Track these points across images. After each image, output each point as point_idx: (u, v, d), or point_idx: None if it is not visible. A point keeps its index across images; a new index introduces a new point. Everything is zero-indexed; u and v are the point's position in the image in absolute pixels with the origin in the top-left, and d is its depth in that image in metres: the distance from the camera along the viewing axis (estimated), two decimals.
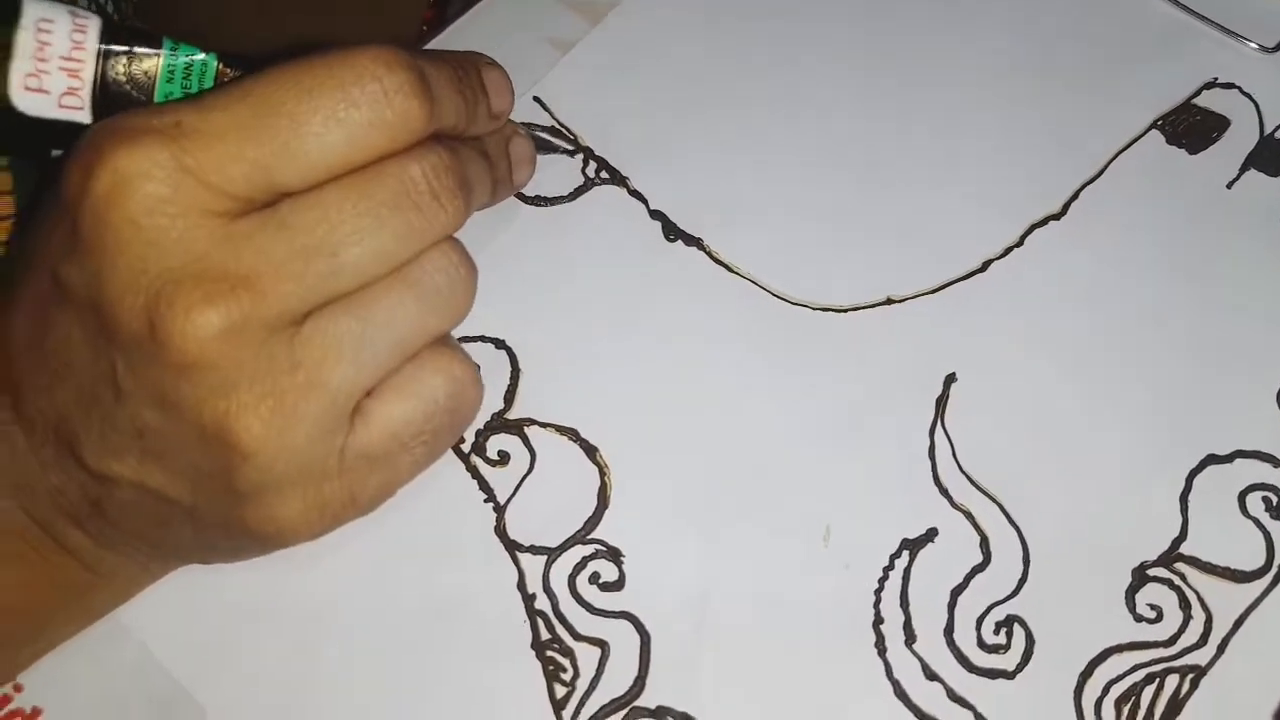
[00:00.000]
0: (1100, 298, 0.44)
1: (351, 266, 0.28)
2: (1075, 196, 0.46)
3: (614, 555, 0.40)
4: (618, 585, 0.39)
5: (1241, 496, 0.40)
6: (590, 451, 0.41)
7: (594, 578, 0.39)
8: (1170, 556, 0.40)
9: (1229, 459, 0.41)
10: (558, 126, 0.48)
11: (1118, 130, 0.48)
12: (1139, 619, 0.39)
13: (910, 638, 0.39)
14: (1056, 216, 0.46)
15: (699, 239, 0.46)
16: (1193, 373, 0.43)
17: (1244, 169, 0.45)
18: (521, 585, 0.39)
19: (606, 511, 0.40)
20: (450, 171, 0.31)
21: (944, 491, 0.41)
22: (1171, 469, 0.40)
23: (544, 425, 0.42)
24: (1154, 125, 0.48)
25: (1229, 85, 0.49)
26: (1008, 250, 0.45)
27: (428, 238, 0.30)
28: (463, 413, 0.33)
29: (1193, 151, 0.47)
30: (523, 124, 0.44)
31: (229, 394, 0.27)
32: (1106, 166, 0.47)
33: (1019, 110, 0.48)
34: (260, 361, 0.28)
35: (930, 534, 0.40)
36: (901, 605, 0.39)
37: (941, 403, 0.42)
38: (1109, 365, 0.43)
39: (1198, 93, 0.49)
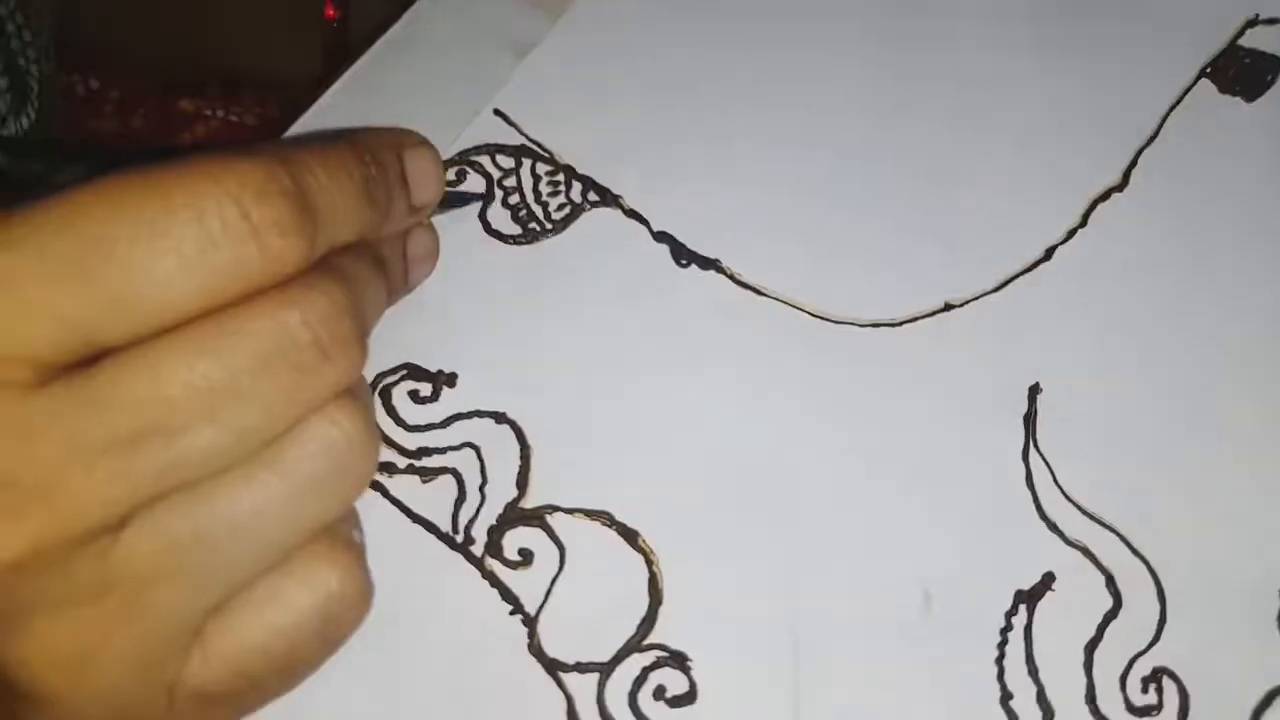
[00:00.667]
0: (1184, 272, 0.39)
1: (198, 454, 0.21)
2: (1134, 163, 0.40)
3: (679, 661, 0.32)
4: (689, 698, 0.32)
5: None
6: (630, 537, 0.34)
7: (660, 693, 0.32)
8: None
9: None
10: (527, 144, 0.41)
11: (1164, 86, 0.42)
12: None
13: (1048, 713, 0.32)
14: (1118, 188, 0.40)
15: (715, 260, 0.39)
16: None
17: None
18: (572, 715, 0.31)
19: (661, 608, 0.33)
20: (344, 314, 0.24)
21: (1053, 527, 0.35)
22: None
23: (570, 511, 0.34)
24: (1202, 74, 0.42)
25: (1272, 20, 0.43)
26: (1071, 232, 0.39)
27: (309, 405, 0.23)
28: (339, 635, 0.26)
29: (1249, 98, 0.42)
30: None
31: (22, 629, 0.21)
32: (1161, 127, 0.41)
33: (1051, 78, 0.42)
34: (62, 586, 0.21)
35: (1047, 580, 0.34)
36: (1030, 673, 0.33)
37: (1031, 420, 0.36)
38: (1209, 350, 0.37)
39: (1241, 33, 0.43)
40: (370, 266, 0.29)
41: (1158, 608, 0.34)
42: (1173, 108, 0.41)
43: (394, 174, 0.29)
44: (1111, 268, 0.39)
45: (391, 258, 0.31)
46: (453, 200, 0.39)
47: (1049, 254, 0.39)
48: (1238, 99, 0.42)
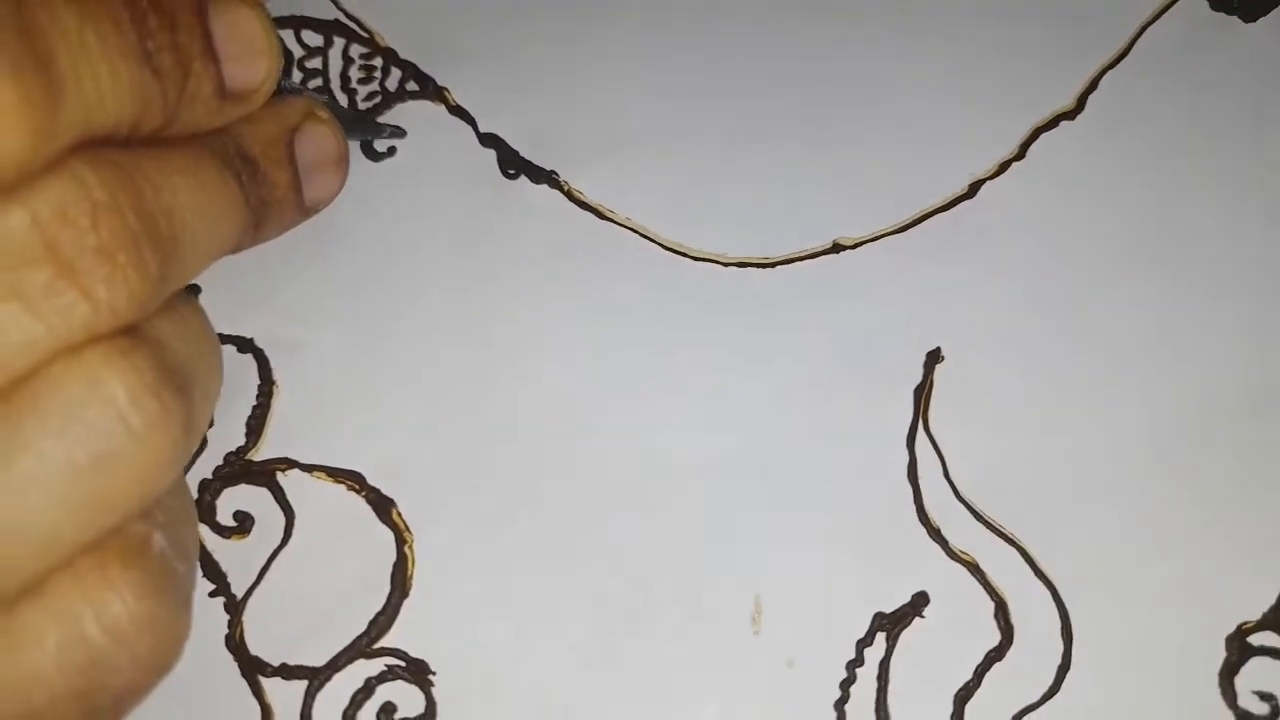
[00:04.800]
0: (1135, 223, 0.30)
1: None
2: (1093, 86, 0.32)
3: (418, 672, 0.25)
4: None
5: None
6: (382, 507, 0.26)
7: (387, 712, 0.24)
8: None
9: None
10: (344, 20, 0.33)
11: None
12: (1244, 716, 0.25)
13: None
14: (1069, 114, 0.32)
15: (552, 173, 0.31)
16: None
17: None
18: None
19: (406, 602, 0.25)
20: (108, 213, 0.17)
21: (935, 533, 0.27)
22: (1270, 473, 0.26)
23: (309, 469, 0.27)
24: None
25: None
26: (1004, 165, 0.31)
27: (48, 347, 0.17)
28: (118, 692, 0.18)
29: (1249, 18, 0.33)
30: (313, 90, 0.28)
31: None
32: (1131, 45, 0.33)
33: None
34: None
35: (917, 603, 0.26)
36: None
37: (923, 394, 0.28)
38: (1156, 325, 0.29)
39: None
40: (210, 160, 0.20)
41: (1060, 649, 0.26)
42: (1149, 22, 0.33)
43: (189, 35, 0.19)
44: (1047, 212, 0.31)
45: (264, 157, 0.22)
46: (355, 124, 0.31)
47: (973, 189, 0.31)
48: (1234, 17, 0.33)
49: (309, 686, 0.25)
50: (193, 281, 0.24)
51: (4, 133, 0.15)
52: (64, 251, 0.16)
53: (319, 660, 0.25)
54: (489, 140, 0.32)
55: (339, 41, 0.33)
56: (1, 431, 0.16)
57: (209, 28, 0.20)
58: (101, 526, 0.17)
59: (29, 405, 0.16)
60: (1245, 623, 0.26)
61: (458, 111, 0.32)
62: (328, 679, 0.25)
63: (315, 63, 0.33)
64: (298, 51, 0.33)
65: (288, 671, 0.25)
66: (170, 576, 0.18)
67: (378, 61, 0.33)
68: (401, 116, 0.32)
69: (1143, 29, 0.33)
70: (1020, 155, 0.31)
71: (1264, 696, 0.26)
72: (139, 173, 0.17)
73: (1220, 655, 0.26)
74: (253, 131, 0.22)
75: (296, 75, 0.33)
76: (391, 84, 0.33)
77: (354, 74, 0.33)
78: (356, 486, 0.27)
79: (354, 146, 0.32)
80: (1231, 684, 0.26)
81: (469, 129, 0.32)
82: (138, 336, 0.17)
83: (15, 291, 0.15)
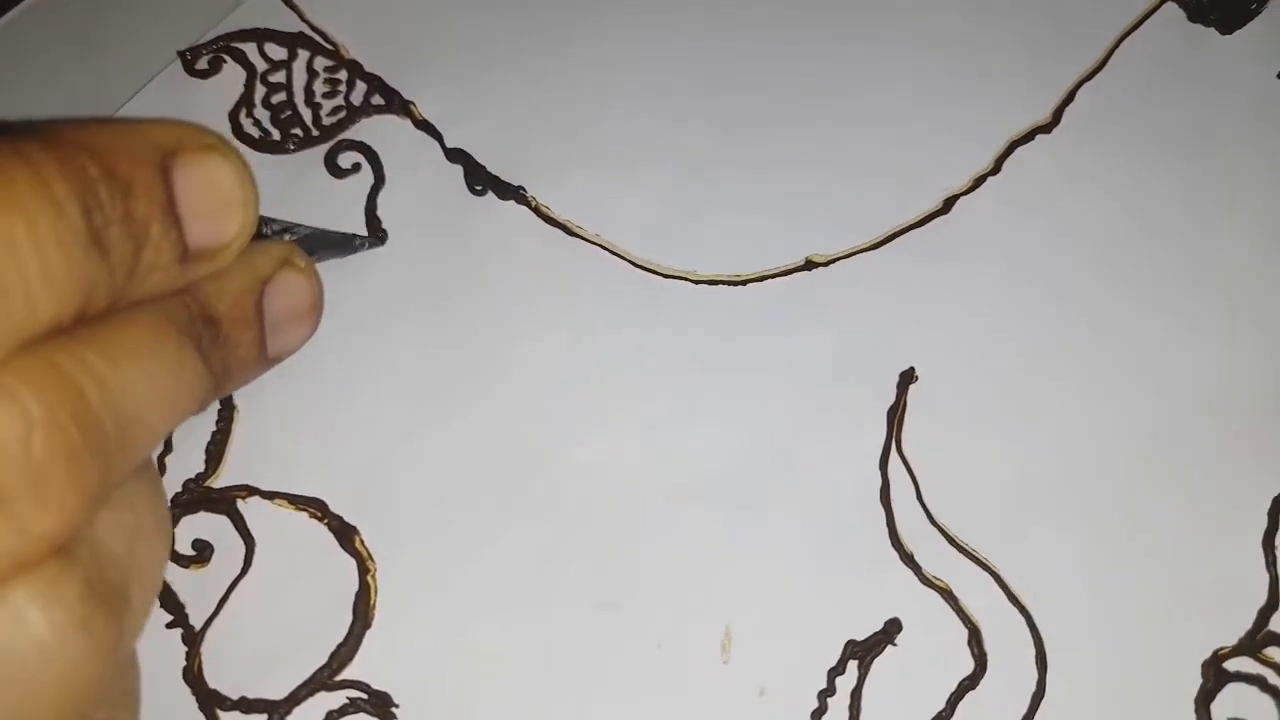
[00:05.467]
0: (1112, 239, 0.30)
1: None
2: (1069, 99, 0.32)
3: (381, 705, 0.24)
4: None
5: None
6: (345, 535, 0.26)
7: None
8: (1258, 638, 0.26)
9: None
10: (309, 32, 0.32)
11: (1118, 7, 0.33)
12: None
13: None
14: (1045, 128, 0.31)
15: (520, 188, 0.30)
16: (1257, 342, 0.28)
17: None
18: None
19: (369, 633, 0.25)
20: (47, 430, 0.15)
21: (908, 558, 0.26)
22: (1245, 498, 0.27)
23: (270, 496, 0.26)
24: None
25: None
26: (979, 179, 0.31)
27: None
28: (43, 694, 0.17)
29: (1225, 30, 0.33)
30: (284, 224, 0.27)
31: None
32: (1108, 58, 0.32)
33: None
34: None
35: (890, 630, 0.25)
36: None
37: (896, 416, 0.28)
38: (1138, 338, 0.29)
39: None
40: (169, 334, 0.18)
41: (1035, 677, 0.25)
42: (1126, 34, 0.33)
43: (148, 200, 0.17)
44: (1023, 227, 0.30)
45: (229, 317, 0.19)
46: (324, 244, 0.28)
47: (947, 205, 0.30)
48: (1210, 29, 0.33)
49: None
50: None
51: None
52: None
53: (279, 693, 0.24)
54: (456, 155, 0.31)
55: (303, 55, 0.32)
56: None
57: (171, 186, 0.17)
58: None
59: None
60: (1221, 648, 0.26)
61: (424, 126, 0.31)
62: (288, 712, 0.24)
63: (279, 77, 0.32)
64: (260, 65, 0.32)
65: (247, 705, 0.24)
66: None
67: (342, 75, 0.32)
68: (366, 131, 0.31)
69: (1119, 41, 0.33)
70: (995, 170, 0.31)
71: None
72: (82, 370, 0.15)
73: (1196, 681, 0.25)
74: (219, 289, 0.19)
75: (260, 89, 0.32)
76: (356, 98, 0.32)
77: (319, 88, 0.32)
78: (319, 514, 0.26)
79: (317, 160, 0.31)
80: (1208, 710, 0.25)
81: (435, 144, 0.31)
82: (66, 561, 0.15)
83: None
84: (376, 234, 0.30)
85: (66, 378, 0.15)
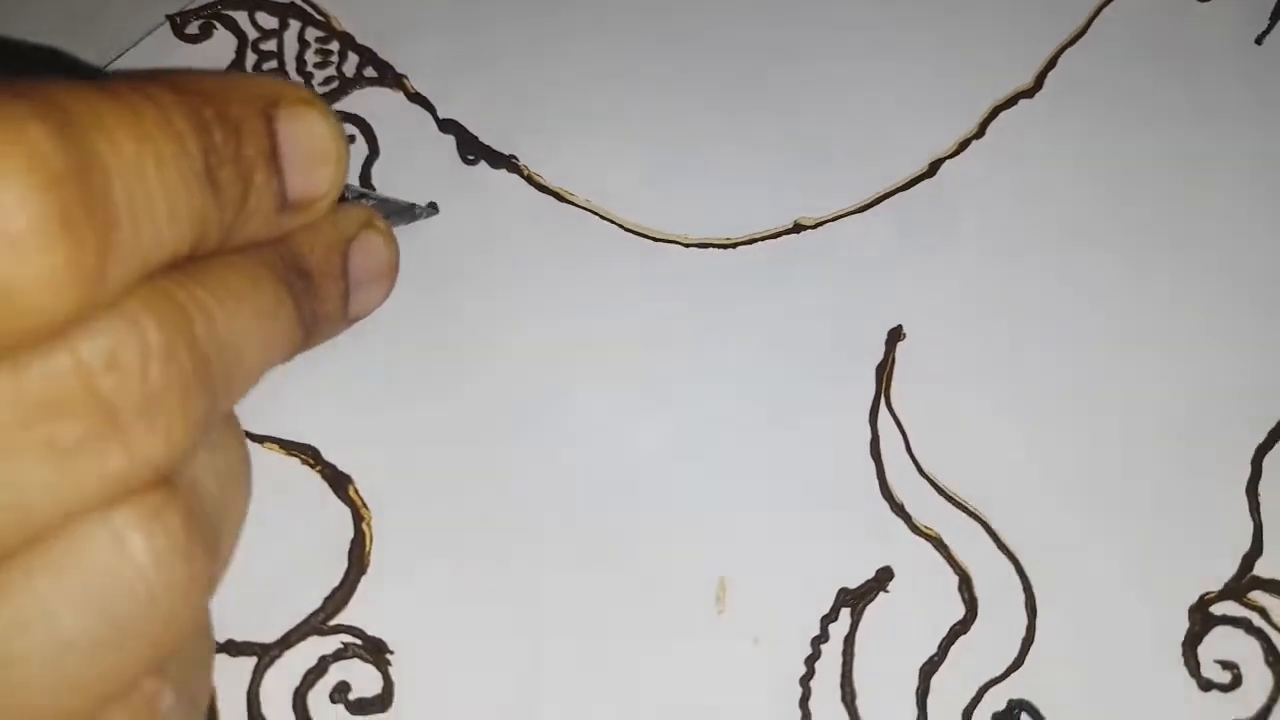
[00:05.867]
0: (1098, 199, 0.30)
1: None
2: (1051, 64, 0.32)
3: (376, 651, 0.24)
4: (381, 703, 0.24)
5: None
6: (338, 483, 0.26)
7: (340, 692, 0.24)
8: (1243, 583, 0.26)
9: None
10: (300, 3, 0.33)
11: None
12: (1206, 685, 0.25)
13: None
14: (1028, 93, 0.32)
15: (512, 157, 0.31)
16: (1242, 297, 0.29)
17: (1278, 17, 0.32)
18: (209, 712, 0.23)
19: (364, 579, 0.25)
20: (162, 360, 0.15)
21: (899, 508, 0.27)
22: (1229, 447, 0.27)
23: (261, 440, 0.26)
24: None
25: None
26: (964, 143, 0.31)
27: (77, 500, 0.15)
28: (158, 633, 0.17)
29: None
30: (358, 189, 0.26)
31: None
32: (1090, 23, 0.33)
33: None
34: None
35: (882, 578, 0.26)
36: (844, 699, 0.25)
37: (885, 372, 0.28)
38: (1119, 293, 0.29)
39: None
40: (268, 279, 0.18)
41: (1024, 622, 0.26)
42: (1108, 0, 0.33)
43: (255, 146, 0.18)
44: (1007, 189, 0.31)
45: (320, 270, 0.20)
46: (391, 211, 0.29)
47: (933, 169, 0.31)
48: None
49: (257, 664, 0.24)
50: None
51: (55, 287, 0.14)
52: (108, 400, 0.14)
53: (269, 637, 0.24)
54: (448, 126, 0.31)
55: (294, 25, 0.33)
56: (13, 595, 0.15)
57: (275, 135, 0.18)
58: (110, 695, 0.16)
59: (45, 567, 0.15)
60: (1208, 593, 0.26)
61: (416, 98, 0.32)
62: (278, 656, 0.24)
63: (270, 45, 0.32)
64: (251, 33, 0.32)
65: (234, 648, 0.24)
66: None
67: (334, 46, 0.33)
68: (359, 103, 0.32)
69: (1100, 7, 0.33)
70: (980, 133, 0.31)
71: (1226, 665, 0.25)
72: (194, 304, 0.16)
73: (1184, 625, 0.26)
74: (311, 242, 0.20)
75: (251, 57, 0.32)
76: (349, 69, 0.32)
77: (310, 58, 0.32)
78: (310, 460, 0.26)
79: None
80: (1195, 653, 0.26)
81: (428, 115, 0.32)
82: (170, 490, 0.15)
83: (48, 443, 0.14)
84: (430, 204, 0.30)
85: (181, 309, 0.15)
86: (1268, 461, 0.27)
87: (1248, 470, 0.27)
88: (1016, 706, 0.25)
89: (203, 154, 0.16)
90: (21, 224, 0.13)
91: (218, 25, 0.32)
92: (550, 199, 0.31)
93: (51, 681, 0.15)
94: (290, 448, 0.26)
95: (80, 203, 0.14)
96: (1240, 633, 0.26)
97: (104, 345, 0.14)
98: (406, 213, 0.29)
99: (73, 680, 0.15)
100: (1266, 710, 0.25)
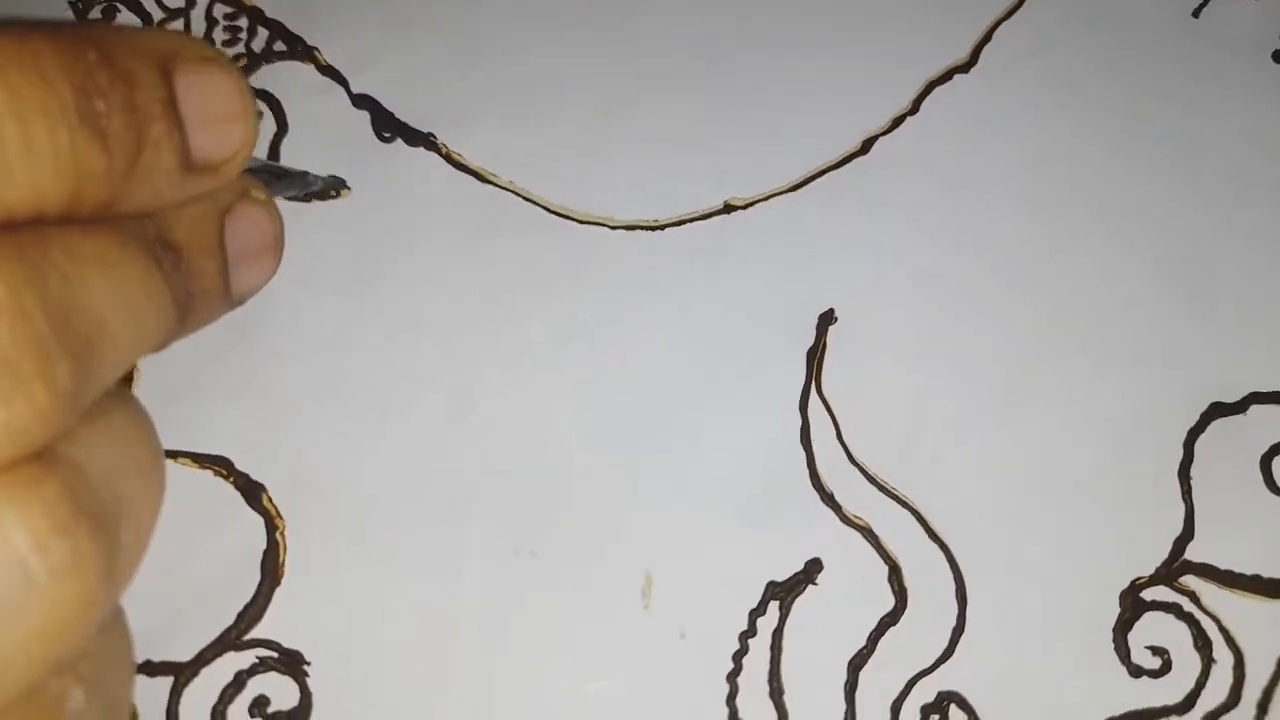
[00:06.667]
0: (1032, 176, 0.30)
1: None
2: (987, 38, 0.31)
3: (292, 665, 0.23)
4: (299, 716, 0.23)
5: (1266, 462, 0.27)
6: (251, 493, 0.25)
7: (259, 706, 0.23)
8: (1173, 567, 0.26)
9: (1241, 407, 0.27)
10: None
11: None
12: (1136, 671, 0.25)
13: None
14: (963, 68, 0.31)
15: (429, 135, 0.30)
16: (1173, 277, 0.29)
17: None
18: None
19: (278, 590, 0.24)
20: (9, 322, 0.14)
21: (828, 498, 0.26)
22: (1161, 430, 0.27)
23: (173, 455, 0.25)
24: None
25: None
26: (898, 120, 0.30)
27: None
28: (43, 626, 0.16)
29: None
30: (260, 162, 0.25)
31: None
32: None
33: None
34: None
35: (811, 570, 0.25)
36: (772, 694, 0.24)
37: (816, 357, 0.27)
38: (1053, 275, 0.29)
39: None
40: (134, 248, 0.16)
41: (955, 611, 0.25)
42: None
43: (150, 96, 0.16)
44: (941, 167, 0.30)
45: (190, 244, 0.18)
46: (278, 178, 0.27)
47: (866, 146, 0.30)
48: None
49: (175, 683, 0.23)
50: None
51: None
52: None
53: (185, 655, 0.24)
54: (362, 102, 0.30)
55: (201, 2, 0.31)
56: None
57: (173, 87, 0.16)
58: (7, 692, 0.15)
59: None
60: (1139, 578, 0.26)
61: (329, 72, 0.30)
62: (195, 674, 0.23)
63: (177, 24, 0.31)
64: (157, 14, 0.31)
65: (151, 669, 0.23)
66: None
67: (243, 22, 0.31)
68: (269, 78, 0.30)
69: None
70: (914, 110, 0.31)
71: (1156, 651, 0.25)
72: (47, 262, 0.14)
73: (1115, 611, 0.26)
74: (176, 214, 0.18)
75: None
76: (258, 45, 0.31)
77: (218, 36, 0.31)
78: (224, 472, 0.25)
79: None
80: (1125, 640, 0.25)
81: (341, 90, 0.30)
82: (47, 462, 0.14)
83: None
84: (332, 177, 0.28)
85: (32, 265, 0.14)
86: (1199, 445, 0.27)
87: (1180, 454, 0.27)
88: (945, 698, 0.25)
89: (77, 93, 0.14)
90: None
91: (121, 7, 0.31)
92: (470, 179, 0.29)
93: None
94: (202, 460, 0.25)
95: None
96: (1170, 618, 0.26)
97: None
98: (302, 183, 0.28)
99: None
100: (1193, 696, 0.25)
